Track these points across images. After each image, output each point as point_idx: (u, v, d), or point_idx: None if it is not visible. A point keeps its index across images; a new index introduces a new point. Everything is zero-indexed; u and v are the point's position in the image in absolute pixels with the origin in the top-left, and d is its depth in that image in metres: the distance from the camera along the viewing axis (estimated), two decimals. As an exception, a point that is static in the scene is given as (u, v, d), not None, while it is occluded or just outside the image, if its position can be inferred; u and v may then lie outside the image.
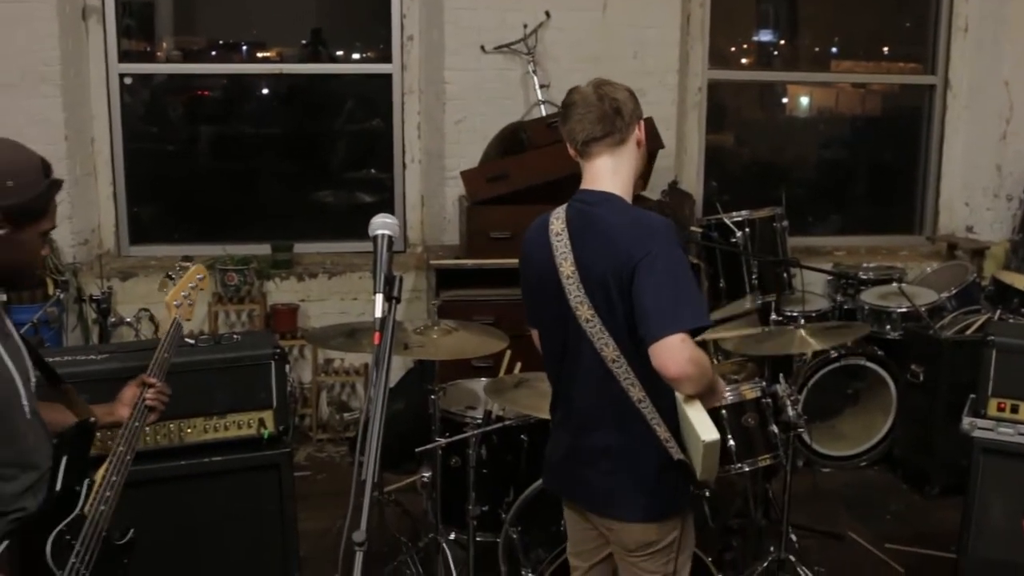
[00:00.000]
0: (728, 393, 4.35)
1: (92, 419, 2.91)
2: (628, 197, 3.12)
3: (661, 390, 3.00)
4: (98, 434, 2.99)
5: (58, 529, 2.64)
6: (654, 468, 3.10)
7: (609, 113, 3.06)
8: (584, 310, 3.01)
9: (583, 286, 3.00)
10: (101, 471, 2.80)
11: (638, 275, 2.90)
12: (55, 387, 2.92)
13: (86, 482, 2.76)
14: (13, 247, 2.56)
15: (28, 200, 2.55)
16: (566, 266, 3.04)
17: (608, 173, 3.11)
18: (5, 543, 2.55)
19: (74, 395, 2.97)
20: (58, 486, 2.70)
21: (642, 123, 3.17)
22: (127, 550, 2.85)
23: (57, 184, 2.67)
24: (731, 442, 4.29)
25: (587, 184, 3.14)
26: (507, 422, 4.35)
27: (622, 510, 3.17)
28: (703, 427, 2.91)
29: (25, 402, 2.65)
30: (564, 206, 3.16)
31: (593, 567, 3.42)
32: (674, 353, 2.82)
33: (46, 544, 2.61)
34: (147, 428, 3.25)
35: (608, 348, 3.01)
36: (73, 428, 2.84)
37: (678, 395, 3.00)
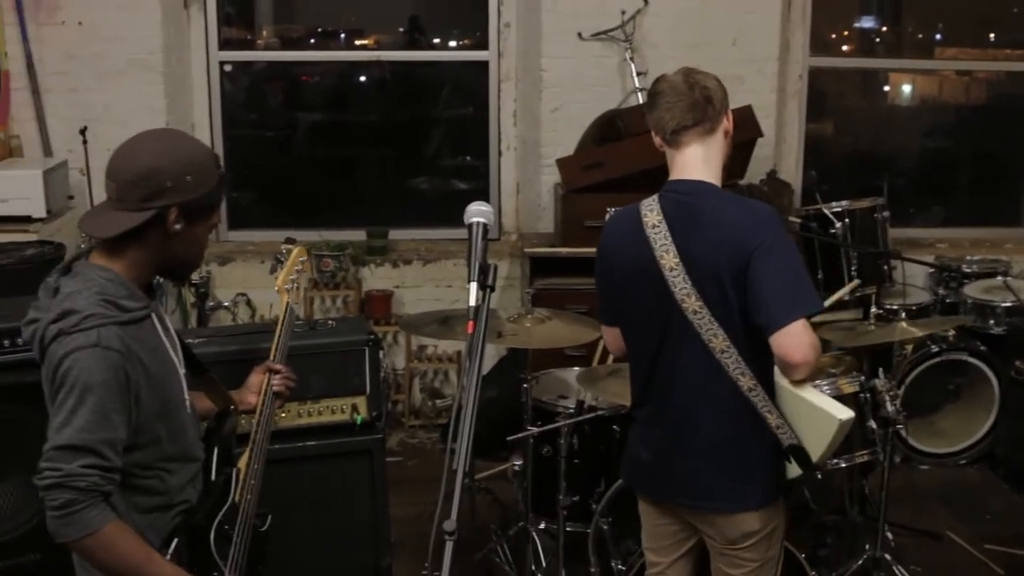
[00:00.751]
0: (826, 387, 4.29)
1: (232, 406, 2.97)
2: (719, 184, 3.09)
3: (769, 378, 3.01)
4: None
5: (218, 519, 2.70)
6: (763, 456, 3.09)
7: (700, 101, 3.02)
8: (692, 302, 2.96)
9: (689, 278, 2.95)
10: (244, 460, 2.85)
11: (755, 263, 2.87)
12: (197, 375, 2.93)
13: (234, 471, 2.81)
14: (186, 242, 2.60)
15: (204, 195, 2.57)
16: (668, 258, 2.98)
17: (700, 162, 3.06)
18: (175, 541, 2.60)
19: (214, 382, 2.98)
20: (213, 476, 2.76)
21: (730, 113, 3.12)
22: (269, 536, 2.93)
23: (225, 178, 2.68)
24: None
25: (677, 174, 3.09)
26: (600, 412, 4.33)
27: (729, 502, 3.13)
28: (834, 406, 2.94)
29: (186, 396, 2.70)
30: (654, 198, 3.10)
31: (674, 563, 3.38)
32: (798, 339, 2.83)
33: (207, 535, 2.67)
34: (243, 417, 3.29)
35: (717, 339, 2.97)
36: (217, 418, 2.90)
37: (782, 382, 3.01)
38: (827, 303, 4.98)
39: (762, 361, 2.96)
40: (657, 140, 3.13)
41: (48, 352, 2.43)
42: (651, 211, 3.06)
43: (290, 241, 3.39)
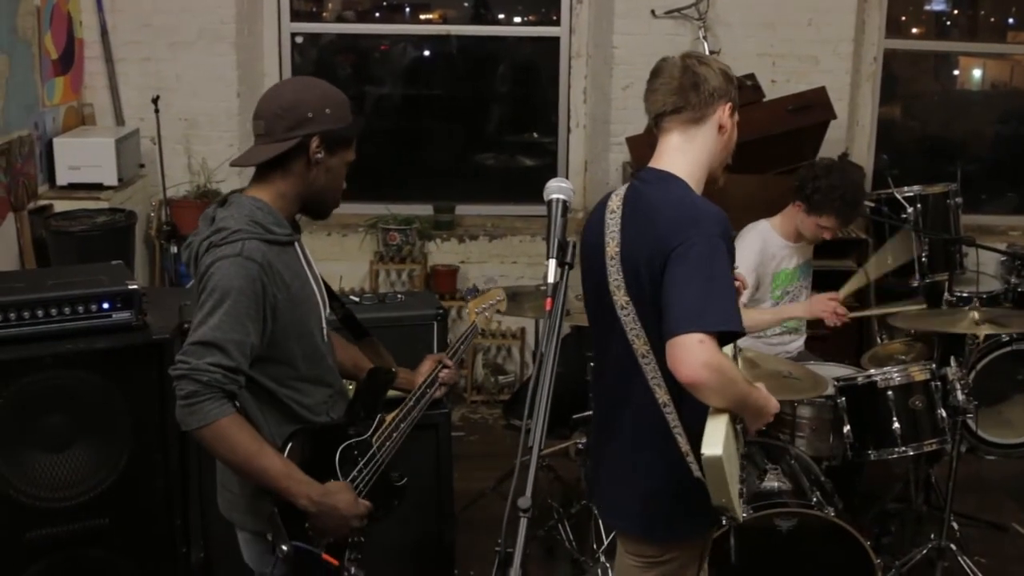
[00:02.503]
0: (896, 374, 4.24)
1: (393, 369, 3.18)
2: (695, 181, 2.85)
3: (690, 398, 2.68)
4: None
5: (348, 443, 2.87)
6: (666, 482, 2.86)
7: (685, 86, 2.82)
8: (620, 295, 2.80)
9: (622, 269, 2.78)
10: (392, 414, 3.04)
11: (670, 264, 2.64)
12: (359, 338, 3.26)
13: (378, 416, 2.99)
14: (326, 173, 2.79)
15: (342, 128, 2.78)
16: (611, 246, 2.82)
17: (675, 152, 2.86)
18: (293, 440, 2.75)
19: (379, 348, 3.31)
20: (356, 409, 2.96)
21: (729, 108, 2.87)
22: (400, 493, 3.04)
23: (362, 121, 2.92)
24: (896, 425, 4.19)
25: (653, 162, 2.91)
26: (665, 393, 4.30)
27: (622, 519, 3.02)
28: (709, 440, 2.60)
29: (324, 326, 2.89)
30: (628, 183, 2.96)
31: None
32: (688, 354, 2.54)
33: (334, 449, 2.84)
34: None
35: (639, 340, 2.78)
36: (376, 370, 3.11)
37: (711, 408, 2.70)
38: (884, 311, 4.94)
39: None
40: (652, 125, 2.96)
41: (200, 263, 2.67)
42: (617, 196, 2.92)
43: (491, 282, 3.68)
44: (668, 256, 2.65)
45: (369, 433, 2.95)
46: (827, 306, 4.50)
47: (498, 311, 3.61)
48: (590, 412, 4.37)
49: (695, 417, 2.72)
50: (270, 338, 2.69)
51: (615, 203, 2.89)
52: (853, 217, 4.60)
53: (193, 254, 2.72)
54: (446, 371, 3.27)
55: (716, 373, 2.57)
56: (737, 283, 2.94)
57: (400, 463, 3.96)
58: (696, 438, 2.68)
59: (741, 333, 2.69)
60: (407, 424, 3.06)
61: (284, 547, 2.66)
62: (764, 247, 4.66)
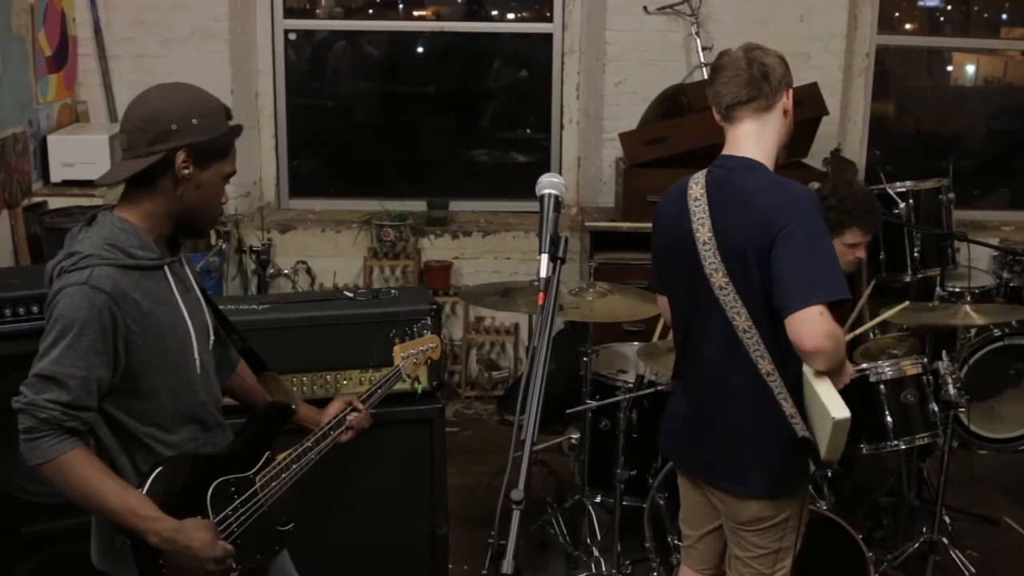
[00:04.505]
0: (887, 368, 4.26)
1: (292, 406, 2.99)
2: (771, 165, 3.06)
3: (790, 365, 2.95)
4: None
5: (226, 478, 2.71)
6: (776, 444, 3.04)
7: (756, 77, 3.01)
8: (719, 277, 2.96)
9: (719, 253, 2.95)
10: (283, 453, 2.87)
11: (778, 244, 2.84)
12: (259, 373, 3.05)
13: (267, 454, 2.83)
14: (197, 189, 2.60)
15: (212, 139, 2.58)
16: (703, 232, 2.99)
17: (751, 139, 3.05)
18: (157, 471, 2.57)
19: (281, 384, 3.10)
20: (240, 444, 2.80)
21: (790, 92, 3.10)
22: (283, 538, 2.90)
23: (238, 129, 2.69)
24: (888, 419, 4.21)
25: (729, 150, 3.09)
26: (659, 387, 4.33)
27: (739, 484, 3.14)
28: (834, 404, 2.83)
29: (196, 356, 2.67)
30: (703, 171, 3.11)
31: (703, 536, 3.41)
32: (812, 325, 2.77)
33: (206, 484, 2.66)
34: (304, 383, 3.55)
35: (740, 318, 2.96)
36: (272, 404, 2.96)
37: (806, 371, 2.94)
38: (875, 322, 4.95)
39: (784, 346, 2.90)
40: (716, 115, 3.12)
41: (51, 289, 2.50)
42: (696, 184, 3.07)
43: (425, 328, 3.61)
44: (775, 237, 2.85)
45: (253, 471, 2.79)
46: None
47: (430, 358, 3.51)
48: (584, 407, 4.39)
49: (796, 383, 2.98)
50: (126, 371, 2.52)
51: (697, 191, 3.05)
52: (876, 223, 4.51)
53: (47, 278, 2.54)
54: (355, 414, 3.11)
55: (835, 340, 2.82)
56: None
57: (391, 458, 4.01)
58: (798, 401, 2.98)
59: (849, 300, 2.91)
60: (300, 465, 2.89)
61: None
62: None
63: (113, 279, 2.46)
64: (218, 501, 2.67)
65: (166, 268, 2.63)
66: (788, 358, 2.93)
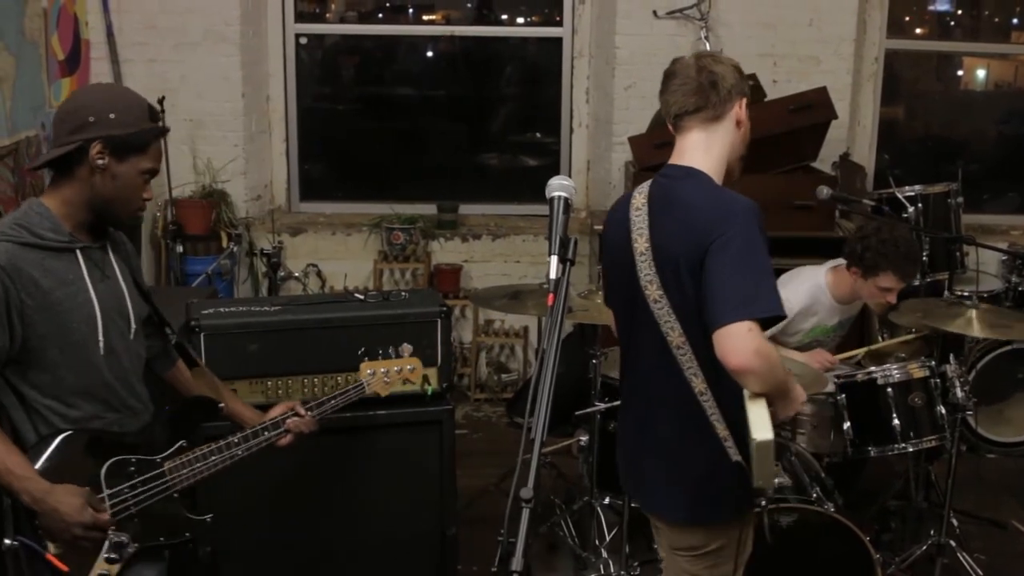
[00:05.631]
0: (895, 371, 4.28)
1: (220, 404, 3.11)
2: (718, 176, 2.93)
3: (725, 384, 2.79)
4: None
5: (126, 457, 2.83)
6: (707, 467, 2.92)
7: (704, 86, 2.89)
8: (653, 290, 2.85)
9: (654, 264, 2.83)
10: (204, 446, 2.97)
11: (709, 256, 2.71)
12: (191, 369, 3.19)
13: (181, 443, 2.95)
14: (112, 181, 2.73)
15: (129, 134, 2.72)
16: (640, 243, 2.88)
17: (699, 149, 2.93)
18: (55, 442, 2.73)
19: (214, 381, 3.23)
20: (154, 430, 2.92)
21: (744, 102, 2.96)
22: (194, 526, 2.97)
23: (160, 129, 2.82)
24: (896, 421, 4.23)
25: (675, 159, 2.97)
26: (667, 390, 4.33)
27: (667, 509, 3.06)
28: (758, 426, 2.67)
29: (101, 338, 2.79)
30: (649, 181, 3.01)
31: (667, 556, 3.26)
32: (738, 342, 2.62)
33: (102, 459, 2.79)
34: (316, 384, 3.62)
35: (674, 333, 2.84)
36: (198, 399, 3.09)
37: (745, 392, 2.74)
38: (883, 345, 4.97)
39: (718, 364, 2.71)
40: (668, 124, 3.03)
41: None
42: (640, 193, 2.97)
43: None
44: (707, 248, 2.72)
45: (163, 455, 2.89)
46: (823, 362, 4.55)
47: (408, 381, 3.49)
48: (592, 409, 4.41)
49: (731, 403, 2.81)
50: (24, 343, 2.67)
51: (639, 200, 2.95)
52: (912, 271, 4.49)
53: None
54: (296, 419, 3.17)
55: (764, 359, 2.65)
56: None
57: (401, 459, 4.03)
58: (733, 424, 2.82)
59: (783, 317, 2.77)
60: (221, 458, 2.98)
61: (7, 541, 2.63)
62: (810, 305, 4.64)
63: (10, 254, 2.63)
64: (114, 478, 2.79)
65: (78, 252, 2.77)
66: (723, 377, 2.75)
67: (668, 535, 3.11)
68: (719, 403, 2.86)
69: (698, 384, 2.85)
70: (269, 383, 3.85)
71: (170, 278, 6.31)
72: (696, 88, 2.90)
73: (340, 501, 3.99)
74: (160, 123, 2.83)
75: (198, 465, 2.94)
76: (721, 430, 2.86)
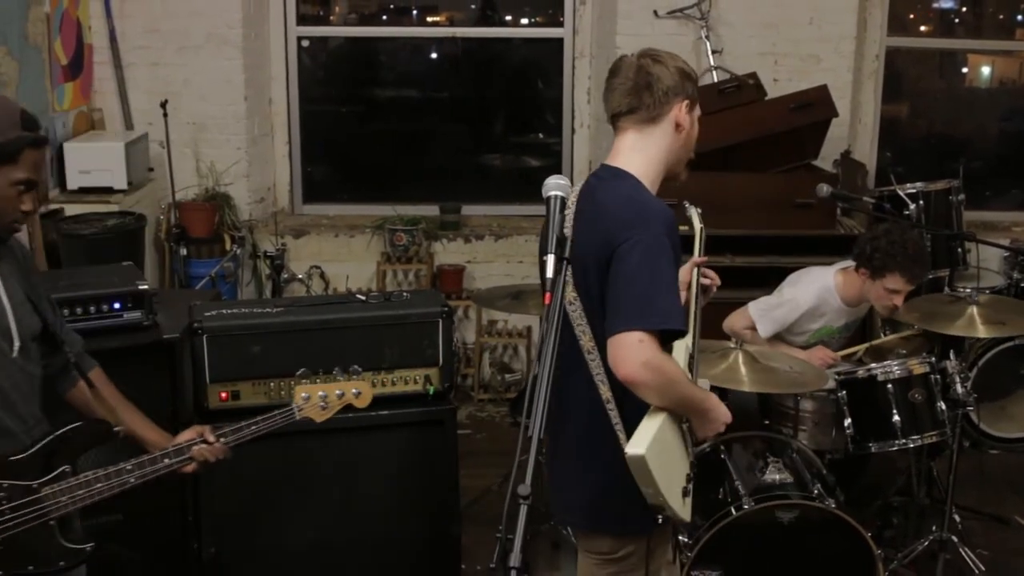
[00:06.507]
0: (896, 367, 4.29)
1: (116, 428, 2.94)
2: (649, 180, 2.85)
3: (632, 395, 2.68)
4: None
5: None
6: (610, 476, 2.80)
7: (640, 87, 2.81)
8: (569, 291, 2.77)
9: (571, 265, 2.59)
10: (91, 472, 2.82)
11: (614, 260, 2.66)
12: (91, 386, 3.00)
13: (63, 468, 2.79)
14: None
15: None
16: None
17: (629, 151, 2.86)
18: None
19: (101, 400, 3.02)
20: (35, 453, 2.75)
21: (685, 105, 2.86)
22: (71, 555, 2.81)
23: (34, 138, 2.68)
24: (896, 417, 4.24)
25: (608, 159, 2.91)
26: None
27: (571, 513, 3.05)
28: (635, 439, 2.59)
29: None
30: (584, 179, 2.94)
31: None
32: (627, 352, 2.57)
33: None
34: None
35: (585, 336, 2.80)
36: (88, 422, 2.91)
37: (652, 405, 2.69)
38: (883, 341, 4.98)
39: None
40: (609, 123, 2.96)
41: None
42: (574, 192, 2.88)
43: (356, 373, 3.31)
44: (613, 252, 2.66)
45: (39, 481, 2.74)
46: (824, 359, 4.57)
47: (352, 406, 3.22)
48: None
49: (638, 415, 2.71)
50: None
51: (572, 199, 2.86)
52: (920, 274, 4.49)
53: None
54: (203, 447, 2.98)
55: (655, 372, 2.59)
56: (707, 280, 3.04)
57: (404, 459, 4.05)
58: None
59: (682, 332, 2.71)
60: (108, 486, 2.81)
61: None
62: (818, 306, 4.66)
63: None
64: None
65: None
66: (630, 389, 2.66)
67: (578, 537, 3.11)
68: (623, 413, 2.79)
69: (604, 391, 2.80)
70: (272, 384, 3.86)
71: (174, 281, 6.33)
72: (632, 88, 2.83)
73: (342, 501, 4.00)
74: (38, 132, 2.70)
75: (79, 492, 2.77)
76: (624, 441, 2.76)
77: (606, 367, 2.72)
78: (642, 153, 2.86)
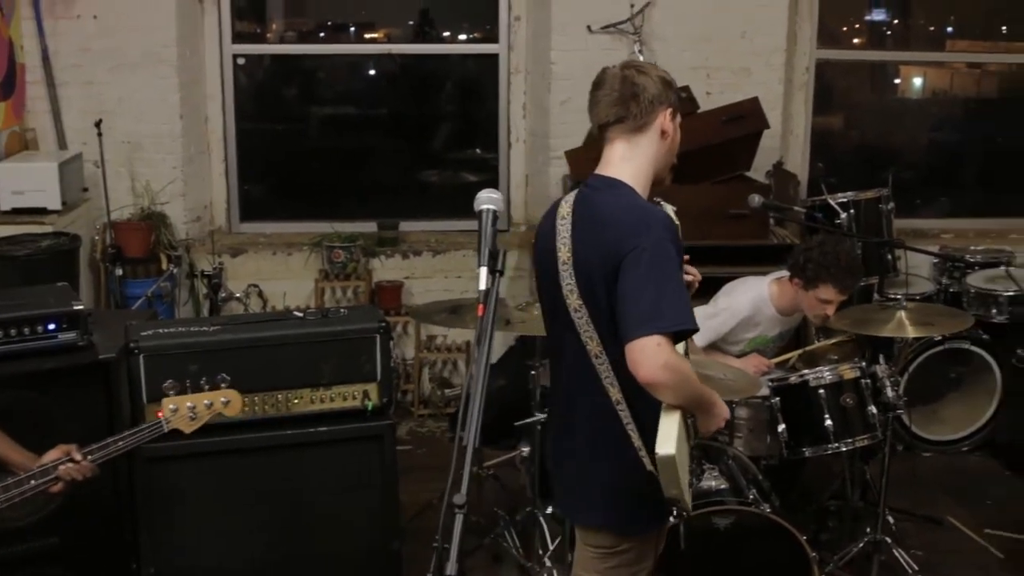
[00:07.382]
0: (827, 373, 4.37)
1: None
2: (641, 187, 2.95)
3: (642, 395, 2.79)
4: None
5: None
6: (621, 476, 2.96)
7: (626, 97, 2.91)
8: (573, 299, 2.88)
9: (575, 274, 2.87)
10: None
11: (623, 268, 2.75)
12: None
13: None
14: None
15: None
16: (564, 252, 2.90)
17: (620, 160, 2.96)
18: None
19: None
20: None
21: (669, 113, 2.96)
22: None
23: None
24: (828, 422, 4.31)
25: (599, 169, 3.00)
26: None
27: (581, 512, 3.14)
28: (663, 439, 2.72)
29: None
30: (576, 190, 3.04)
31: None
32: (647, 356, 2.66)
33: None
34: (256, 403, 3.41)
35: (592, 342, 2.88)
36: None
37: (664, 404, 2.80)
38: (815, 347, 5.07)
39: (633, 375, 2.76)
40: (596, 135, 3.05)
41: None
42: (567, 203, 3.00)
43: (223, 382, 3.36)
44: (621, 260, 2.75)
45: None
46: (759, 366, 4.67)
47: (221, 414, 3.28)
48: (533, 419, 4.47)
49: (647, 414, 2.83)
50: None
51: (565, 210, 2.98)
52: (852, 285, 4.58)
53: None
54: (70, 465, 2.96)
55: (674, 373, 2.69)
56: (690, 277, 3.08)
57: (343, 475, 4.05)
58: (648, 434, 2.81)
59: (695, 330, 2.82)
60: None
61: None
62: (753, 316, 4.75)
63: None
64: None
65: None
66: (639, 388, 2.76)
67: (580, 531, 3.20)
68: (634, 413, 2.89)
69: (615, 394, 2.89)
70: (210, 402, 3.85)
71: (110, 302, 6.29)
72: (618, 99, 2.92)
73: (283, 518, 4.00)
74: None
75: None
76: (636, 440, 2.89)
77: (615, 369, 2.84)
78: (632, 162, 2.95)
